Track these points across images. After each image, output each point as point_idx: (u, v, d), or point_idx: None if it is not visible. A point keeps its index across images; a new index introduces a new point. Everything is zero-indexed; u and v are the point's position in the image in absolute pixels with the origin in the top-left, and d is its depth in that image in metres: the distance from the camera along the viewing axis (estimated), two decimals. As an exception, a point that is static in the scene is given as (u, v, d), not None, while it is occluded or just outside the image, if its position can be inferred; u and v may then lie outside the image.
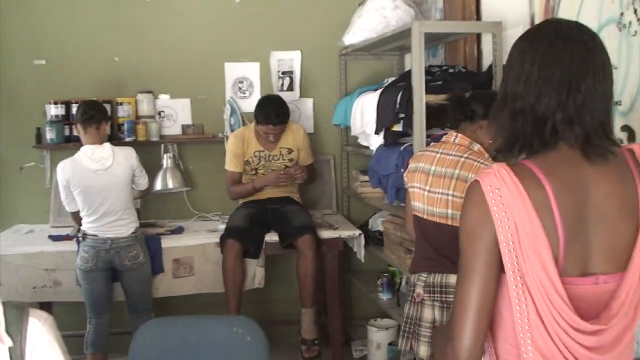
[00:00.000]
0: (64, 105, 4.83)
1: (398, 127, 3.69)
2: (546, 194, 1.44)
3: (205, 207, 5.12)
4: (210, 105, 5.11)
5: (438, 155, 2.88)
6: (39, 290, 4.25)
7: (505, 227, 1.44)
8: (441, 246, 2.82)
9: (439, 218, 2.84)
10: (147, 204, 4.92)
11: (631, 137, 2.59)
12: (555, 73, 1.46)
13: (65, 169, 4.00)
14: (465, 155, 2.80)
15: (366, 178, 4.49)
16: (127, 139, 4.82)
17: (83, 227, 4.05)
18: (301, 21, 5.16)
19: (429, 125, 3.53)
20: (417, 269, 2.96)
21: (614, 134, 1.55)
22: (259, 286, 4.42)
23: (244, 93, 5.13)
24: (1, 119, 4.94)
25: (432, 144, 3.14)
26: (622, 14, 2.61)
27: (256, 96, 5.01)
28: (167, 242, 4.37)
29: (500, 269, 1.48)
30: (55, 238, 4.45)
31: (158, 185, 4.88)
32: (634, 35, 2.55)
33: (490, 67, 3.69)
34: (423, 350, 2.87)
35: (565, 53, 1.46)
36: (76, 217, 4.13)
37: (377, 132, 3.99)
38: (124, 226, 4.04)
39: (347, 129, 4.89)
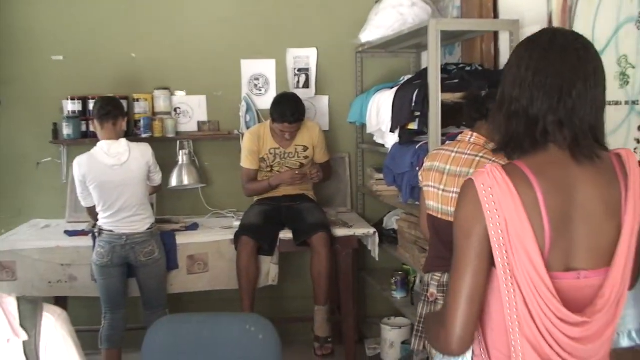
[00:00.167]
0: (80, 101, 4.85)
1: (414, 126, 3.68)
2: (535, 193, 1.53)
3: (220, 203, 5.13)
4: (226, 102, 5.11)
5: (453, 154, 2.87)
6: (55, 285, 4.28)
7: (496, 224, 1.53)
8: (455, 246, 2.81)
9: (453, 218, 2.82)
10: (162, 200, 4.94)
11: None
12: (548, 78, 1.56)
13: (81, 164, 4.02)
14: (481, 154, 2.78)
15: (381, 176, 4.48)
16: (144, 135, 4.84)
17: (99, 223, 4.07)
18: (317, 18, 5.16)
19: (444, 124, 3.51)
20: (431, 269, 2.95)
21: (605, 139, 1.63)
22: (273, 283, 4.42)
23: (260, 90, 5.14)
24: (19, 115, 4.98)
25: (447, 142, 3.12)
26: (641, 12, 2.59)
27: (272, 93, 5.02)
28: (181, 239, 4.38)
29: (491, 262, 1.57)
30: (71, 233, 4.47)
31: (173, 182, 4.90)
32: (653, 35, 2.53)
33: (507, 65, 3.66)
34: (436, 349, 2.86)
35: (558, 60, 1.56)
36: (92, 212, 4.15)
37: (392, 130, 3.98)
38: (140, 222, 4.06)
39: (363, 126, 4.89)
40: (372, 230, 4.50)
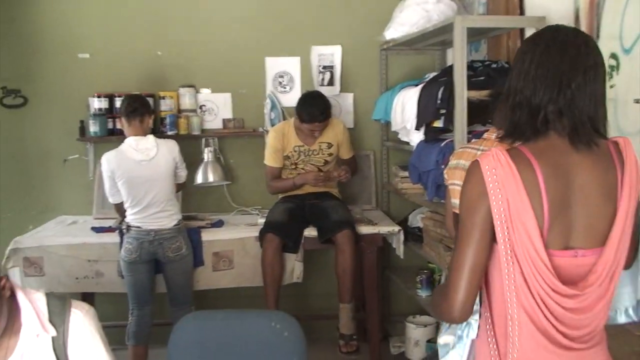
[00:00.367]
0: (107, 99, 4.89)
1: (439, 123, 3.66)
2: (536, 176, 1.64)
3: (245, 201, 5.15)
4: (250, 100, 5.13)
5: (479, 152, 2.84)
6: (82, 281, 4.33)
7: (499, 202, 1.64)
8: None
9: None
10: (188, 197, 4.97)
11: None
12: (549, 71, 1.67)
13: (110, 160, 4.05)
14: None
15: (406, 174, 4.47)
16: (169, 133, 4.87)
17: (127, 219, 4.10)
18: (342, 16, 5.15)
19: (470, 122, 3.48)
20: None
21: (606, 129, 1.72)
22: (298, 281, 4.43)
23: (285, 88, 5.15)
24: (46, 112, 5.04)
25: (473, 140, 3.09)
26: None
27: (296, 91, 5.03)
28: (207, 236, 4.41)
29: (492, 238, 1.69)
30: (97, 230, 4.51)
31: (199, 179, 4.93)
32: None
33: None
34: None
35: (559, 54, 1.67)
36: (119, 208, 4.18)
37: (417, 128, 3.96)
38: (167, 218, 4.09)
39: (388, 124, 4.87)
40: (397, 228, 4.48)
